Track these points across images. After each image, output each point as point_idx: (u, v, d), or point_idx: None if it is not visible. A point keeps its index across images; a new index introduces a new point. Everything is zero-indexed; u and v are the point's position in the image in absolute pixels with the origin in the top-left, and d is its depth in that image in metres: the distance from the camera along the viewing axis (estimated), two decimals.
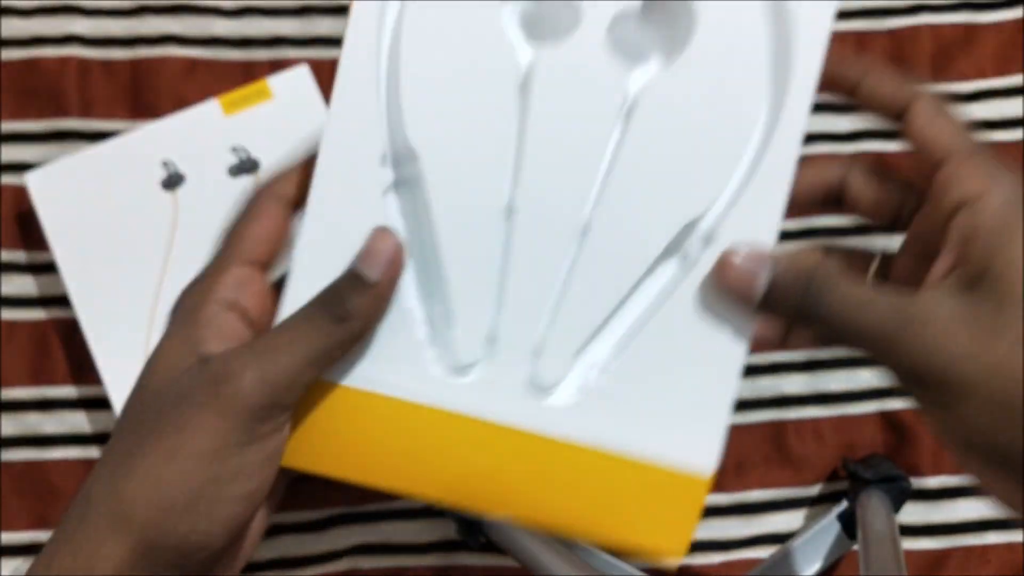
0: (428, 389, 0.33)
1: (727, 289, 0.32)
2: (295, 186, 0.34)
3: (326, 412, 0.33)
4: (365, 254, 0.32)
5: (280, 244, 0.34)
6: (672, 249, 0.34)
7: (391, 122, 0.34)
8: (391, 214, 0.34)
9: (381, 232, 0.32)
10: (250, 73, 0.59)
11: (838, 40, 0.61)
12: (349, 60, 0.35)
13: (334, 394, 0.33)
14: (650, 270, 0.34)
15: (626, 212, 0.34)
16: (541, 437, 0.33)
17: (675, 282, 0.34)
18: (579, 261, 0.34)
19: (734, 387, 0.33)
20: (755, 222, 0.33)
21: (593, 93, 0.34)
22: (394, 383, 0.33)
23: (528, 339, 0.33)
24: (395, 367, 0.33)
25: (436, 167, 0.33)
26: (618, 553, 0.38)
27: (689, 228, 0.34)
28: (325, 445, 0.33)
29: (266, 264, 0.34)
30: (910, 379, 0.31)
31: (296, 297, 0.33)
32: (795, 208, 0.35)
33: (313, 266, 0.33)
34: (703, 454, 0.33)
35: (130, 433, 0.31)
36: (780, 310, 0.32)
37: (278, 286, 0.34)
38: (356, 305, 0.31)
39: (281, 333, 0.31)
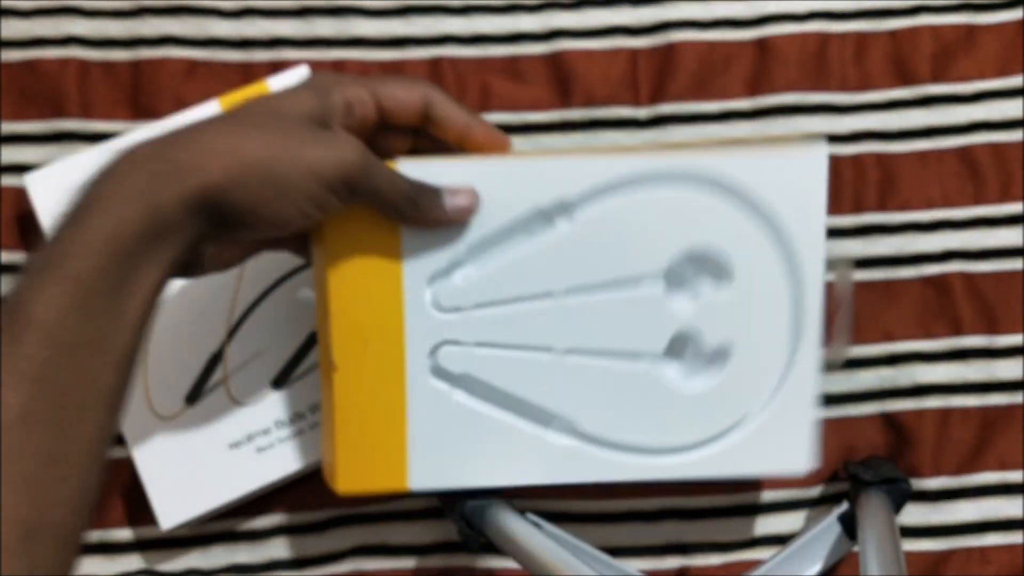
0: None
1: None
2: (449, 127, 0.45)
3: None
4: (455, 192, 0.43)
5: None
6: None
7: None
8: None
9: (473, 193, 0.44)
10: (250, 74, 0.59)
11: (838, 42, 0.62)
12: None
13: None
14: None
15: None
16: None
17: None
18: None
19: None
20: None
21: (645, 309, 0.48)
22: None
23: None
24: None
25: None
26: None
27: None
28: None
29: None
30: None
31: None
32: None
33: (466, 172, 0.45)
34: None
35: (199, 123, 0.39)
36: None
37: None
38: (423, 205, 0.43)
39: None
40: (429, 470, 0.47)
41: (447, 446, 0.47)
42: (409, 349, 0.46)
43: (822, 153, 0.47)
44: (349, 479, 0.47)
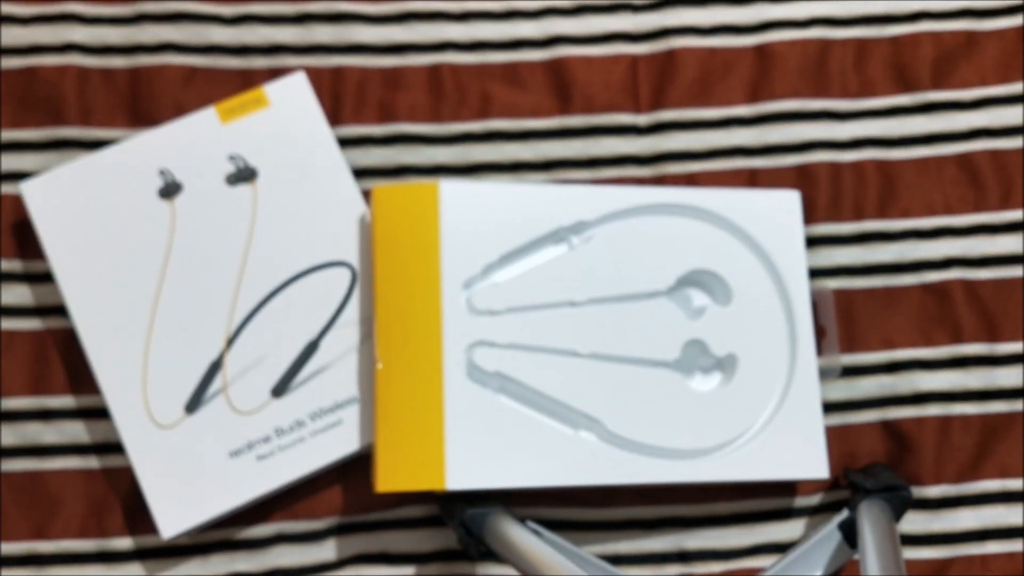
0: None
1: None
2: None
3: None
4: None
5: None
6: None
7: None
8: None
9: None
10: (249, 81, 0.58)
11: (839, 48, 0.62)
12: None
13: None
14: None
15: None
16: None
17: None
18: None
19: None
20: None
21: (658, 317, 0.53)
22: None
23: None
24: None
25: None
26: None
27: None
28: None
29: None
30: None
31: None
32: None
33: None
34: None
35: None
36: None
37: None
38: None
39: None
40: (466, 469, 0.49)
41: (483, 445, 0.50)
42: (446, 348, 0.50)
43: (795, 195, 0.55)
44: (388, 479, 0.49)
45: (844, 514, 0.52)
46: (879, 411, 0.57)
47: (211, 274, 0.53)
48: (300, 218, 0.54)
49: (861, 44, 0.61)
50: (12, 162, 0.57)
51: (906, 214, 0.59)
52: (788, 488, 0.56)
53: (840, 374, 0.56)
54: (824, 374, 0.55)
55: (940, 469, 0.56)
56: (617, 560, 0.55)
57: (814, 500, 0.56)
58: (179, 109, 0.57)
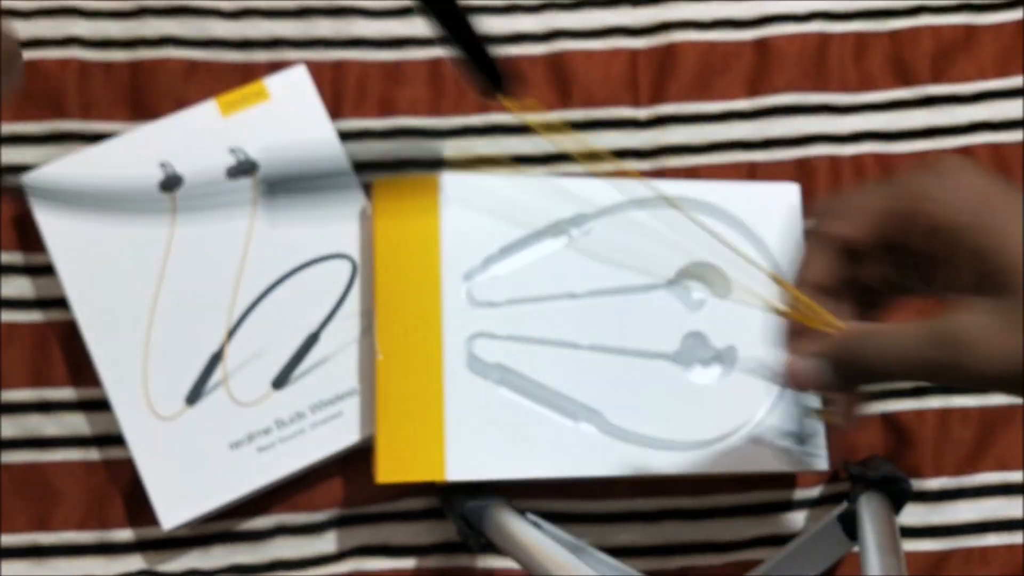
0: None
1: (800, 386, 0.37)
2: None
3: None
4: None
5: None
6: None
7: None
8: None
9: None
10: (250, 75, 0.59)
11: (838, 42, 0.62)
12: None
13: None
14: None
15: None
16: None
17: None
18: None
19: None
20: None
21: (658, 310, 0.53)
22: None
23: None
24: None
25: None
26: None
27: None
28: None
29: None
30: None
31: None
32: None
33: None
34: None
35: None
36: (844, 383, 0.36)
37: None
38: None
39: None
40: (466, 461, 0.49)
41: (483, 437, 0.50)
42: (447, 340, 0.50)
43: (795, 188, 0.56)
44: (388, 470, 0.49)
45: (843, 506, 0.52)
46: (879, 404, 0.57)
47: (212, 266, 0.53)
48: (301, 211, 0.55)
49: (860, 38, 0.61)
50: (13, 155, 0.57)
51: None
52: (788, 480, 0.56)
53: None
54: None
55: (939, 462, 0.56)
56: (617, 552, 0.54)
57: (814, 492, 0.56)
58: (180, 102, 0.57)
